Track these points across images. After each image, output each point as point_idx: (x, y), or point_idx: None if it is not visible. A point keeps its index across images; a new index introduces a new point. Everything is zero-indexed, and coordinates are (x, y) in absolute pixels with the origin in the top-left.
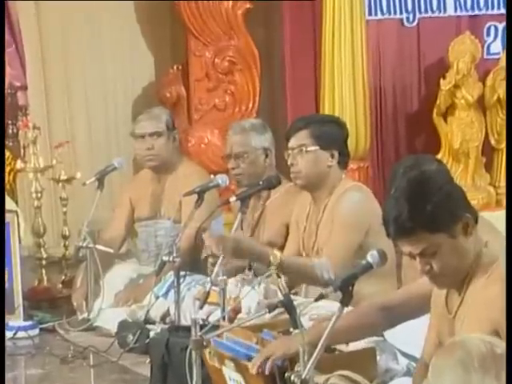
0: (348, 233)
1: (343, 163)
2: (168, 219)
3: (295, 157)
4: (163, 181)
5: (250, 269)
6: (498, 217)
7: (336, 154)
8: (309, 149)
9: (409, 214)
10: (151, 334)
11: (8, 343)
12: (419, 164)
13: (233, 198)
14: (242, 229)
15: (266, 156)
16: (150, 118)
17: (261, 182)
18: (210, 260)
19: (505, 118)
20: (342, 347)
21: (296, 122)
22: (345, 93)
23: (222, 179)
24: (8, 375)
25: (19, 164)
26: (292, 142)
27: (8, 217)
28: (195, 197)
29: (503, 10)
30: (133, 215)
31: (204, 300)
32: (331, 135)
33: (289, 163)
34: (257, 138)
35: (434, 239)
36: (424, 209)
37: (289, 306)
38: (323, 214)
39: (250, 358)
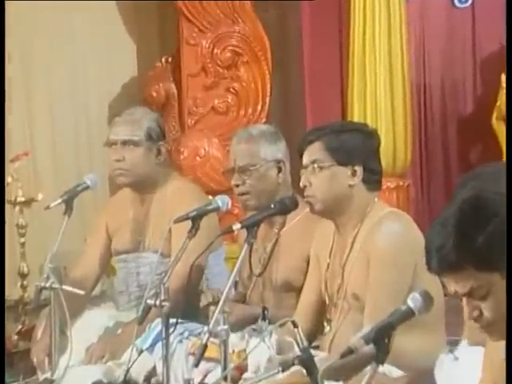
0: (393, 275)
1: (373, 182)
2: (154, 252)
3: (308, 177)
4: (147, 203)
5: (264, 318)
6: None
7: (359, 170)
8: (322, 165)
9: (455, 244)
10: None
11: None
12: (481, 180)
13: (237, 226)
14: (249, 265)
15: (279, 171)
16: (127, 122)
17: (273, 205)
18: (212, 308)
19: None
20: None
21: (308, 133)
22: (379, 92)
23: (222, 201)
24: None
25: None
26: (304, 159)
27: None
28: (189, 224)
29: None
30: (109, 247)
31: (200, 355)
32: (352, 146)
33: (301, 185)
34: (267, 148)
35: (485, 278)
36: (474, 239)
37: (308, 364)
38: (352, 249)
39: None
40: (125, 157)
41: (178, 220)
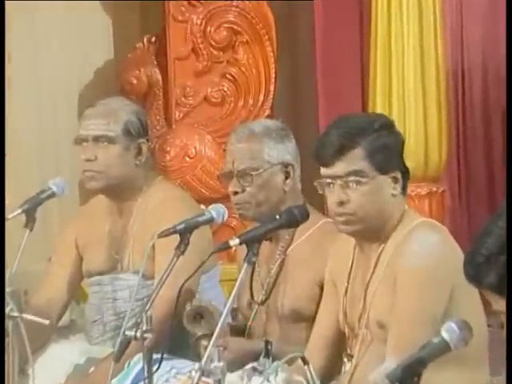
0: (424, 299)
1: (405, 187)
2: (134, 273)
3: (345, 191)
4: (127, 213)
5: (267, 354)
6: None
7: (399, 176)
8: (364, 177)
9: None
10: None
11: None
12: None
13: (235, 241)
14: (250, 290)
15: (287, 176)
16: (100, 115)
17: (279, 216)
18: (204, 343)
19: None
20: None
21: (340, 135)
22: (408, 80)
23: (217, 211)
24: None
25: None
26: (337, 168)
27: None
28: (176, 239)
29: None
30: (80, 267)
31: None
32: (392, 149)
33: (332, 201)
34: (273, 149)
35: None
36: None
37: None
38: (376, 268)
39: None
40: (97, 156)
41: (164, 234)
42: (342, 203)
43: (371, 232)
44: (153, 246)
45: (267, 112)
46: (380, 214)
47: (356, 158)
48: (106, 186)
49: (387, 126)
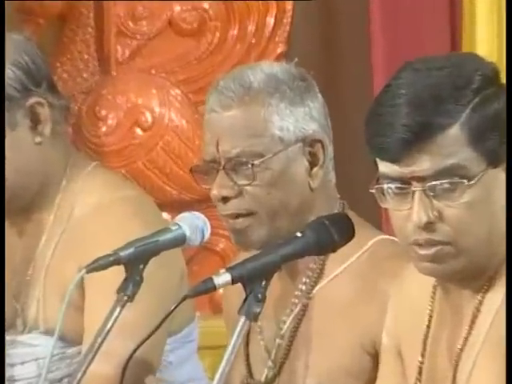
0: None
1: None
2: (45, 334)
3: (431, 202)
4: (32, 232)
5: None
6: None
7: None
8: (473, 178)
9: None
10: None
11: None
12: None
13: (223, 277)
14: (247, 362)
15: (314, 161)
16: None
17: (300, 234)
18: None
19: None
20: None
21: (414, 100)
22: None
23: (192, 224)
24: None
25: None
26: (417, 164)
27: None
28: (120, 274)
29: None
30: None
31: None
32: (501, 122)
33: (409, 221)
34: (287, 115)
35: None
36: None
37: None
38: (473, 329)
39: None
40: None
41: (98, 265)
42: (429, 225)
43: (471, 271)
44: (79, 286)
45: (280, 48)
46: (489, 241)
47: (451, 145)
48: None
49: (495, 80)
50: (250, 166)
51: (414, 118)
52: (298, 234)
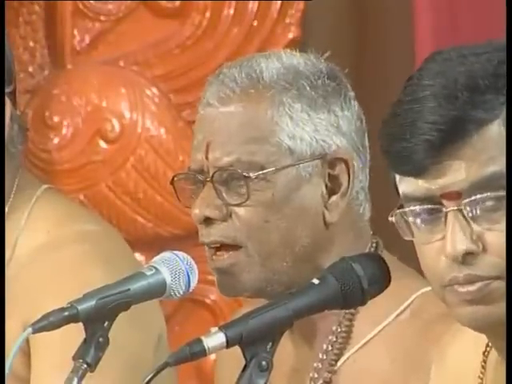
0: None
1: None
2: None
3: (470, 226)
4: None
5: None
6: None
7: None
8: None
9: None
10: None
11: None
12: None
13: (216, 338)
14: None
15: (333, 188)
16: None
17: (318, 280)
18: None
19: None
20: None
21: (443, 93)
22: None
23: (173, 267)
24: None
25: None
26: (449, 176)
27: None
28: (79, 334)
29: None
30: None
31: None
32: None
33: (443, 253)
34: (301, 121)
35: None
36: None
37: None
38: None
39: None
40: None
41: (47, 324)
42: (468, 256)
43: None
44: (23, 352)
45: (292, 33)
46: None
47: (491, 147)
48: None
49: None
50: (244, 180)
51: (442, 113)
52: (315, 281)
